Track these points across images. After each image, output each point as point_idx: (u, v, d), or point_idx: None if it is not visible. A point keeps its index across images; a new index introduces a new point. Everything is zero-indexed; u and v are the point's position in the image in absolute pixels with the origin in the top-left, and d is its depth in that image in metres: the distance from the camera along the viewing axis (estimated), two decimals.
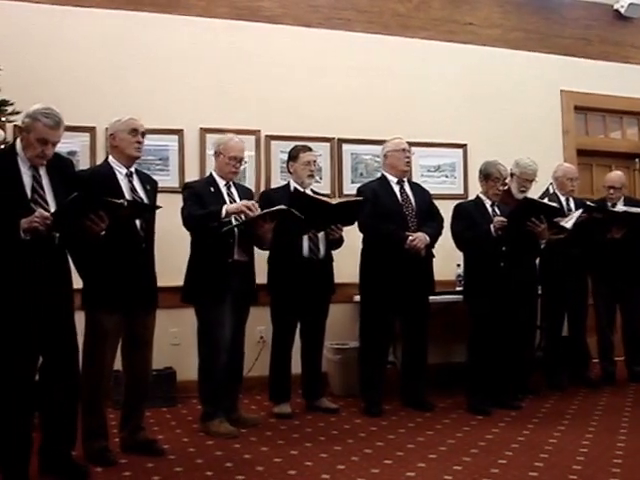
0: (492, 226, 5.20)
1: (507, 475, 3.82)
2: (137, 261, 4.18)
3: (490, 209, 5.38)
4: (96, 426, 4.11)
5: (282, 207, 4.66)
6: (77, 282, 4.02)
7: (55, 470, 3.81)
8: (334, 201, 5.24)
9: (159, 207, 4.20)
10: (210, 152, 5.28)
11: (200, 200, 4.73)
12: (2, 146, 4.53)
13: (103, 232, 3.75)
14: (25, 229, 3.50)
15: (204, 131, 5.93)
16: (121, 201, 3.83)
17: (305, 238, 5.16)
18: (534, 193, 5.92)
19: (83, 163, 5.51)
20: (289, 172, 5.43)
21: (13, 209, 3.54)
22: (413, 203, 5.36)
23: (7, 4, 5.48)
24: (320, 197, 5.12)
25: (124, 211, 3.84)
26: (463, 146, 6.80)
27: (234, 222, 4.64)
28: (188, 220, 4.72)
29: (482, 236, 5.23)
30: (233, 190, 4.92)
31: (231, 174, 4.91)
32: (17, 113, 4.46)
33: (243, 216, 4.63)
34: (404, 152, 5.42)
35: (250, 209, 4.62)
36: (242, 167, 5.25)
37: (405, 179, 5.49)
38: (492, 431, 4.71)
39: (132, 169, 4.28)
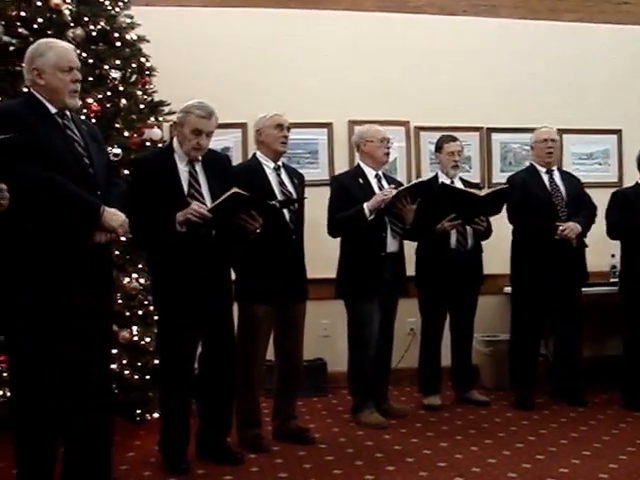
0: None
1: None
2: (288, 253, 4.29)
3: None
4: (250, 414, 4.26)
5: (422, 180, 4.69)
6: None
7: (211, 455, 3.99)
8: (482, 192, 5.19)
9: (305, 198, 4.29)
10: None
11: (347, 194, 4.76)
12: (160, 145, 4.74)
13: (258, 230, 3.88)
14: (180, 222, 3.67)
15: (352, 123, 5.97)
16: (273, 202, 3.95)
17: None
18: None
19: (236, 158, 5.65)
20: (438, 163, 5.42)
21: (171, 204, 3.71)
22: (563, 192, 5.24)
23: (160, 9, 5.69)
24: (468, 189, 5.08)
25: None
26: (617, 132, 6.54)
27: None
28: (332, 229, 4.80)
29: (638, 224, 5.04)
30: (384, 182, 4.92)
31: (385, 157, 4.94)
32: (172, 113, 4.63)
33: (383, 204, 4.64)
34: (546, 142, 5.31)
35: (386, 194, 4.64)
36: (392, 157, 5.29)
37: (554, 168, 5.37)
38: None
39: (279, 163, 4.39)
